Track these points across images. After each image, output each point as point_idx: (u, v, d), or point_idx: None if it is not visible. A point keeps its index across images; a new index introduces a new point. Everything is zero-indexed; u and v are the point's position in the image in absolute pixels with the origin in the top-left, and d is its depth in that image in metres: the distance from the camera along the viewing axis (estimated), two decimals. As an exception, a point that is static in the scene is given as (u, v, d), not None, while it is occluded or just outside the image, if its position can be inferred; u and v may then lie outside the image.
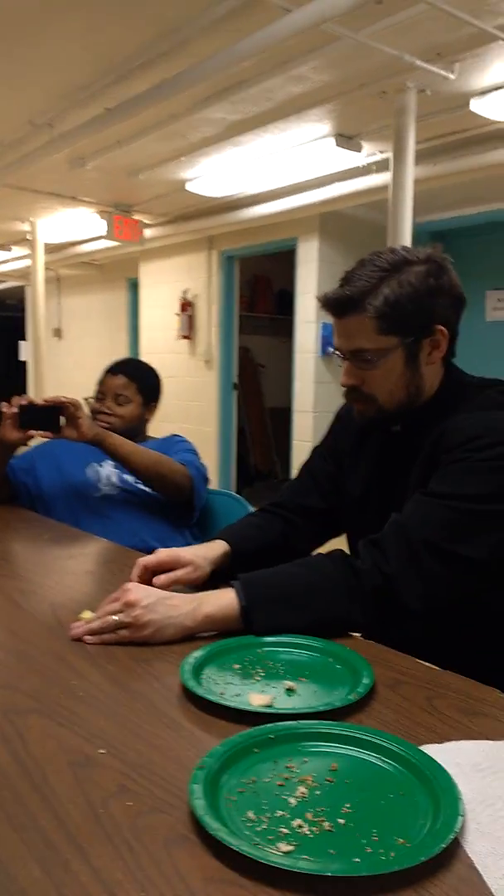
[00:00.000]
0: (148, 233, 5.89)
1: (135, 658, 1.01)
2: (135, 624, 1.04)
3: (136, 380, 2.10)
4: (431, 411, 1.23)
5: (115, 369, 2.12)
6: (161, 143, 4.05)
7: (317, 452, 1.49)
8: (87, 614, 1.13)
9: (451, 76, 3.01)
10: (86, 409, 1.89)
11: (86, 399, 2.08)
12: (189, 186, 4.83)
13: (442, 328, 1.19)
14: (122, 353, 7.63)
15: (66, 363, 8.54)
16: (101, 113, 3.53)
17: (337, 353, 1.23)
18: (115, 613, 1.05)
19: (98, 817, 0.65)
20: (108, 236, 5.49)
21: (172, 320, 6.41)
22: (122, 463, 1.89)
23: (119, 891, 0.56)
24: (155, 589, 1.09)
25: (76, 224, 6.13)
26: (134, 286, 7.28)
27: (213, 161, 4.38)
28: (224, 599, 1.07)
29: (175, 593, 1.10)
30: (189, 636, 1.06)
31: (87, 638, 1.05)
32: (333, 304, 1.18)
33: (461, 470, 1.11)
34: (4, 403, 1.80)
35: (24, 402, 1.78)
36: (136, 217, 5.64)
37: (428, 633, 1.13)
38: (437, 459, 1.15)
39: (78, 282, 8.24)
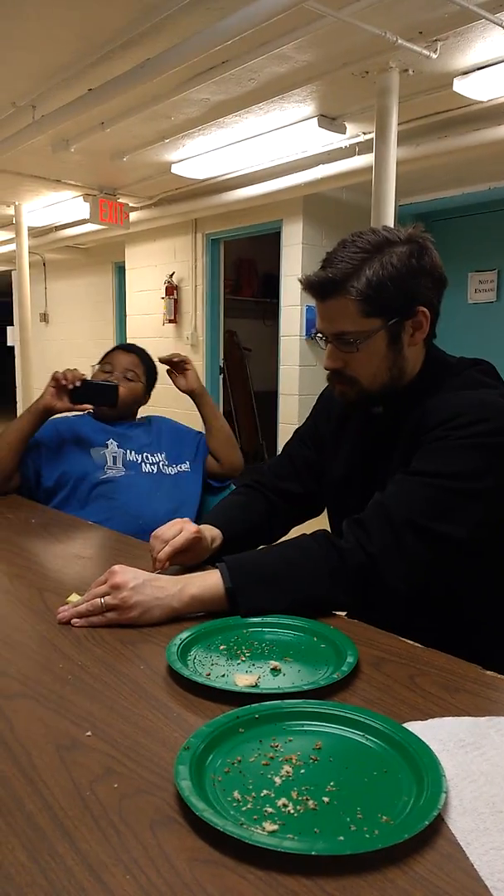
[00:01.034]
0: (133, 216, 5.83)
1: (122, 640, 1.01)
2: (122, 606, 1.04)
3: (144, 362, 2.16)
4: (413, 392, 1.22)
5: (128, 348, 2.18)
6: (145, 125, 4.00)
7: (297, 435, 1.50)
8: (74, 597, 1.13)
9: (434, 56, 2.98)
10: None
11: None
12: (174, 169, 4.78)
13: (424, 309, 1.17)
14: (109, 337, 7.58)
15: (53, 348, 8.49)
16: (84, 94, 3.48)
17: (319, 335, 1.22)
18: (101, 596, 1.05)
19: (84, 800, 0.65)
20: (93, 219, 5.43)
21: (159, 304, 6.37)
22: (211, 420, 2.11)
23: (105, 873, 0.56)
24: (141, 571, 1.09)
25: (61, 207, 6.06)
26: (120, 270, 7.23)
27: (198, 143, 4.34)
28: (210, 581, 1.08)
29: (160, 574, 1.10)
30: (175, 618, 1.06)
31: (75, 621, 1.05)
32: (315, 287, 1.17)
33: (442, 448, 1.11)
34: (62, 374, 1.89)
35: (78, 384, 1.89)
36: (122, 200, 5.59)
37: (410, 612, 1.14)
38: (419, 439, 1.16)
39: (64, 266, 8.16)
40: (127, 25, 2.90)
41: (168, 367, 2.08)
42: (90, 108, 3.50)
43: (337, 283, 1.14)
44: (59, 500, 1.95)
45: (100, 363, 2.15)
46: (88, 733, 0.76)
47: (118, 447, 2.03)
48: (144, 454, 2.04)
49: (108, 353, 2.17)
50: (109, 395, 1.98)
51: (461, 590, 1.21)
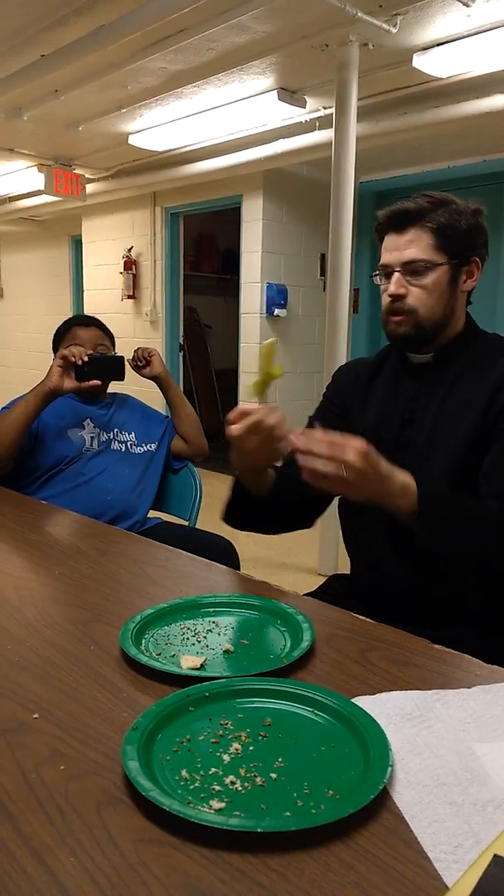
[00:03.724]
0: (90, 188, 5.70)
1: (72, 621, 1.00)
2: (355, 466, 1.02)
3: (107, 334, 2.10)
4: (458, 346, 1.30)
5: (85, 321, 2.08)
6: (101, 94, 3.90)
7: (319, 413, 1.48)
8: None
9: (393, 30, 2.96)
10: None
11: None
12: (132, 140, 4.68)
13: (478, 261, 1.28)
14: (66, 312, 7.44)
15: (8, 323, 8.31)
16: (37, 60, 3.37)
17: (380, 273, 1.29)
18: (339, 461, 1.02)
19: (29, 783, 0.64)
20: (48, 191, 5.30)
21: (117, 279, 6.27)
22: (176, 405, 2.10)
23: (48, 857, 0.55)
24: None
25: (14, 178, 5.90)
26: (77, 244, 7.08)
27: (156, 114, 4.25)
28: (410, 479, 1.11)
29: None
30: (134, 595, 1.05)
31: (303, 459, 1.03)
32: (399, 216, 1.25)
33: None
34: (70, 352, 1.86)
35: (85, 358, 1.87)
36: (78, 171, 5.46)
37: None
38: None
39: (19, 239, 7.97)
40: (81, -11, 2.81)
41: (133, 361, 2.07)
42: (43, 75, 3.40)
43: (417, 214, 1.24)
44: (27, 482, 1.92)
45: (61, 344, 2.04)
46: (35, 715, 0.75)
47: (94, 427, 2.00)
48: (115, 431, 2.02)
49: (66, 331, 2.06)
50: (117, 368, 1.96)
51: None
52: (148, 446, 2.04)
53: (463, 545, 1.12)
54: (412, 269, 1.25)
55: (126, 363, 1.99)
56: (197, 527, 2.03)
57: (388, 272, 1.27)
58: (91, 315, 2.18)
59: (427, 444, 1.25)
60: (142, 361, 2.07)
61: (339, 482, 1.03)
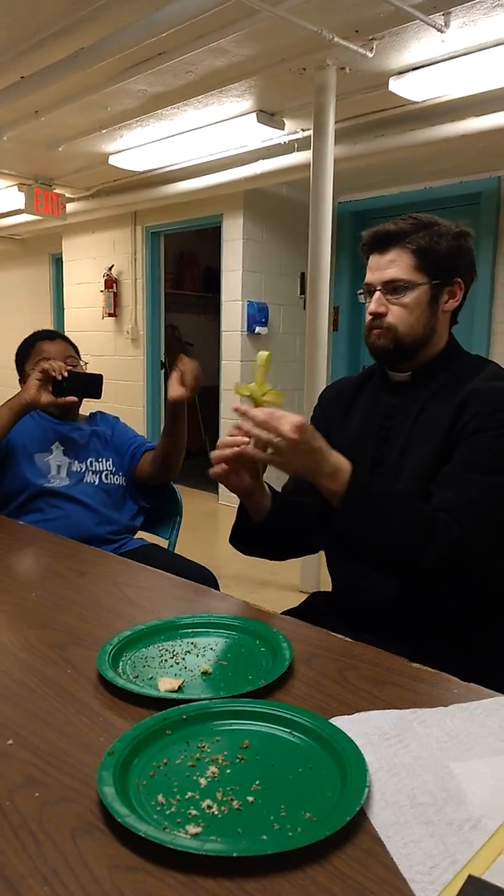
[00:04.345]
0: (70, 207, 5.72)
1: (49, 644, 0.99)
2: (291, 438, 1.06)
3: (72, 346, 2.07)
4: (437, 365, 1.32)
5: (50, 335, 2.05)
6: (81, 115, 3.92)
7: None
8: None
9: (370, 55, 3.01)
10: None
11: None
12: (112, 160, 4.71)
13: (461, 282, 1.31)
14: (46, 331, 7.41)
15: (-13, 342, 8.27)
16: (17, 81, 3.39)
17: (364, 291, 1.33)
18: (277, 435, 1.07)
19: (3, 811, 0.63)
20: (28, 210, 5.30)
21: (98, 297, 6.27)
22: (178, 433, 1.97)
23: (21, 885, 0.55)
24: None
25: (-6, 197, 5.90)
26: (57, 262, 7.08)
27: (136, 134, 4.28)
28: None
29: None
30: (114, 617, 1.05)
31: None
32: (381, 237, 1.29)
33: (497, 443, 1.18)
34: (50, 366, 1.83)
35: (65, 374, 1.85)
36: (58, 191, 5.47)
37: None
38: (467, 422, 1.20)
39: (-1, 257, 7.97)
40: (61, 13, 2.83)
41: (173, 369, 1.93)
42: (23, 96, 3.41)
43: (398, 235, 1.28)
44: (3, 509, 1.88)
45: (27, 360, 2.00)
46: (10, 741, 0.75)
47: (63, 454, 1.94)
48: (89, 460, 1.95)
49: (31, 346, 2.01)
50: (95, 386, 1.94)
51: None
52: (121, 480, 1.99)
53: (381, 540, 1.11)
54: (392, 288, 1.29)
55: (103, 382, 1.95)
56: (178, 544, 2.02)
57: (370, 290, 1.31)
58: (53, 329, 2.15)
59: (399, 460, 1.26)
60: (182, 378, 1.90)
61: (274, 453, 1.08)
